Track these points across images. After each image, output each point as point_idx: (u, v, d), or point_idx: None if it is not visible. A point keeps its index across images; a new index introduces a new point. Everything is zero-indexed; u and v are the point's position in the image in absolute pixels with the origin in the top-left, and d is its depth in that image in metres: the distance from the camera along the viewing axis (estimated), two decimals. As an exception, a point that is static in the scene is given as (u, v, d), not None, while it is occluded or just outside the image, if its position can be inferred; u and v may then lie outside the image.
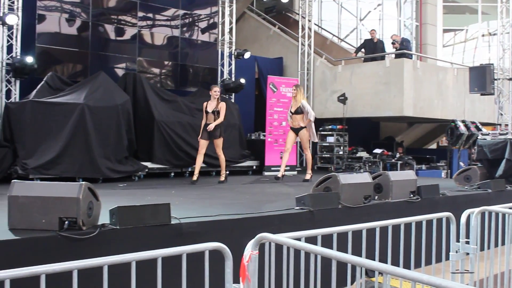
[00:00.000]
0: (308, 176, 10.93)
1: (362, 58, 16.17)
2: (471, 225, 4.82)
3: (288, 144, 10.92)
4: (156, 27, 13.19)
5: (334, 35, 20.21)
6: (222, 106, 10.14)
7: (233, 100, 14.14)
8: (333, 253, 3.06)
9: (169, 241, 4.57)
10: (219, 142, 10.20)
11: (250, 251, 3.40)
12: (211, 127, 9.94)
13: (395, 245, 4.49)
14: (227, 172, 10.73)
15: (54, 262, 2.84)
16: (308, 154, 11.12)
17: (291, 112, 10.76)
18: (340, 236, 4.03)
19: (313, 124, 10.78)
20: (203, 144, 10.13)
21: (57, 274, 2.75)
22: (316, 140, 11.93)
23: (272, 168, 13.12)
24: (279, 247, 3.60)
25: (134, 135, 11.05)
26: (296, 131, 10.72)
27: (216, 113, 10.04)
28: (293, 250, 3.51)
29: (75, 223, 4.38)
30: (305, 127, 10.61)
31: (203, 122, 10.16)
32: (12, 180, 4.69)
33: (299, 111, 10.55)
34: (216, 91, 10.20)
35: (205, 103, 10.20)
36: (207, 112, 10.10)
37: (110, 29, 12.25)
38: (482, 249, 5.13)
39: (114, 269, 3.00)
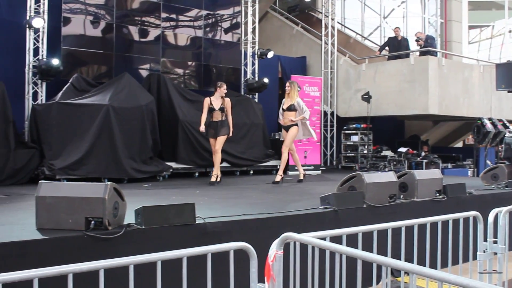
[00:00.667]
0: (278, 178, 10.38)
1: (386, 56, 16.05)
2: (499, 224, 4.75)
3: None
4: (180, 27, 13.25)
5: (357, 34, 20.09)
6: (228, 103, 9.94)
7: (256, 100, 14.15)
8: (359, 252, 3.04)
9: (194, 240, 4.59)
10: (222, 139, 9.87)
11: (274, 250, 3.40)
12: (230, 134, 10.00)
13: (421, 245, 4.45)
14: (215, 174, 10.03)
15: (81, 261, 2.87)
16: (286, 154, 10.42)
17: (283, 109, 10.37)
18: (365, 236, 4.01)
19: (308, 122, 10.54)
20: (213, 142, 9.95)
21: (84, 273, 2.79)
22: (315, 137, 11.40)
23: (296, 168, 13.07)
24: (303, 246, 3.59)
25: (158, 135, 11.12)
26: (287, 128, 10.35)
27: (222, 110, 9.83)
28: (318, 249, 3.50)
29: (101, 223, 4.43)
30: (295, 124, 10.24)
31: (204, 117, 9.78)
32: (40, 181, 4.75)
33: (292, 108, 10.22)
34: (225, 88, 10.02)
35: (207, 99, 9.87)
36: (213, 110, 9.80)
37: (134, 30, 12.34)
38: (510, 248, 5.06)
39: (140, 269, 3.02)
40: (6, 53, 10.61)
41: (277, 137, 14.26)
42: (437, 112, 14.00)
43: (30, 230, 4.48)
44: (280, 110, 10.47)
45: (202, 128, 9.71)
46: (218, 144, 9.78)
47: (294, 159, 10.89)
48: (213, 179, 9.92)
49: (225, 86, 10.02)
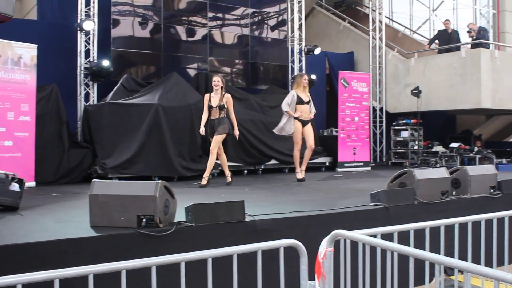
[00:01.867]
0: (301, 175, 9.99)
1: (436, 50, 15.72)
2: (558, 220, 4.59)
3: (300, 139, 9.88)
4: (226, 26, 13.33)
5: (406, 27, 19.73)
6: (229, 99, 9.02)
7: (304, 97, 14.08)
8: (411, 250, 2.99)
9: (244, 238, 4.62)
10: (219, 138, 8.93)
11: (325, 248, 3.37)
12: (236, 134, 9.30)
13: (475, 242, 4.34)
14: (210, 176, 9.23)
15: (133, 258, 2.92)
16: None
17: (302, 102, 9.81)
18: (417, 233, 3.93)
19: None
20: (210, 141, 9.17)
21: (136, 269, 2.83)
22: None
23: (345, 164, 12.99)
24: (354, 244, 3.56)
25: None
26: (306, 123, 9.86)
27: (221, 107, 8.91)
28: (369, 247, 3.46)
29: (153, 221, 4.50)
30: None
31: (205, 118, 8.97)
32: (93, 180, 4.86)
33: (309, 101, 9.95)
34: (216, 80, 8.98)
35: (207, 96, 9.05)
36: (210, 107, 8.92)
37: (181, 30, 12.48)
38: None
39: (191, 265, 3.05)
40: (58, 56, 10.91)
41: (325, 133, 14.19)
42: (490, 106, 13.62)
43: (84, 228, 4.60)
44: (293, 102, 9.77)
45: (202, 130, 8.97)
46: (213, 143, 8.90)
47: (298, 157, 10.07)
48: (203, 182, 8.95)
49: (216, 78, 9.04)
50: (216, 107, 8.91)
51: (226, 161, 9.44)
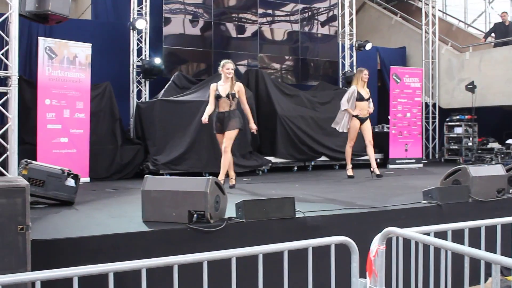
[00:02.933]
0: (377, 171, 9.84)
1: (492, 44, 15.27)
2: None
3: (355, 136, 9.73)
4: (276, 23, 13.32)
5: (460, 21, 19.24)
6: (241, 89, 7.96)
7: (354, 93, 13.94)
8: (466, 249, 2.92)
9: (294, 234, 4.61)
10: (232, 134, 7.88)
11: (377, 245, 3.33)
12: (253, 128, 8.17)
13: (534, 242, 4.20)
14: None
15: (184, 253, 2.96)
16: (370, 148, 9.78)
17: (363, 98, 9.58)
18: (471, 232, 3.83)
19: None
20: (220, 138, 8.07)
21: (188, 264, 2.86)
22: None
23: (397, 161, 12.79)
24: (406, 241, 3.50)
25: (257, 130, 11.22)
26: (364, 120, 9.62)
27: (231, 96, 7.83)
28: (422, 245, 3.39)
29: (203, 216, 4.55)
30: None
31: (210, 108, 7.92)
32: (145, 176, 4.95)
33: (369, 98, 9.72)
34: (229, 68, 7.85)
35: (214, 85, 7.96)
36: (219, 97, 7.83)
37: (231, 27, 12.55)
38: None
39: (241, 261, 3.06)
40: (112, 55, 11.15)
41: (376, 130, 13.99)
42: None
43: (137, 223, 4.69)
44: (352, 99, 9.55)
45: (205, 118, 7.84)
46: (226, 140, 7.84)
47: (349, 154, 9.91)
48: (231, 182, 8.17)
49: (229, 66, 7.90)
50: (227, 96, 7.80)
51: (233, 161, 8.41)
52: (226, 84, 7.86)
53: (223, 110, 7.87)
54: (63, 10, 6.56)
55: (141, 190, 4.78)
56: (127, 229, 4.46)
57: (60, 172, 5.98)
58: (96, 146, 9.45)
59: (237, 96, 7.87)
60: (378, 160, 12.89)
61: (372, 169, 9.88)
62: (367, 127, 9.75)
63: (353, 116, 9.56)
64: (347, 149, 9.82)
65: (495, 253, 3.56)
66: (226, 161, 7.86)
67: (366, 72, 9.80)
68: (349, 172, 9.87)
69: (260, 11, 12.88)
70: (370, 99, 9.83)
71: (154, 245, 4.33)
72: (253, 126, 8.18)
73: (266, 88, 11.75)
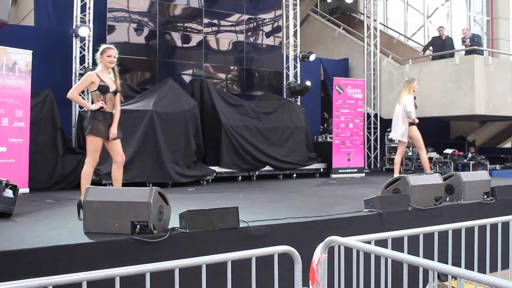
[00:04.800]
0: None
1: (430, 56, 15.79)
2: (551, 227, 4.61)
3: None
4: (221, 32, 13.36)
5: (400, 34, 19.82)
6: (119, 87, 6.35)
7: (299, 103, 14.11)
8: (404, 256, 3.00)
9: (238, 244, 4.62)
10: (118, 143, 6.33)
11: (319, 254, 3.38)
12: (114, 131, 6.17)
13: (469, 249, 4.35)
14: None
15: (127, 264, 2.92)
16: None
17: (416, 107, 9.84)
18: (410, 239, 3.95)
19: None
20: (100, 144, 6.19)
21: (130, 276, 2.83)
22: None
23: (340, 170, 13.00)
24: (348, 250, 3.56)
25: (202, 140, 11.21)
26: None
27: (116, 93, 6.24)
28: (363, 253, 3.46)
29: (147, 227, 4.50)
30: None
31: (81, 100, 6.47)
32: (87, 186, 4.86)
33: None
34: (111, 55, 6.20)
35: (93, 74, 6.14)
36: (106, 91, 6.08)
37: (176, 36, 12.51)
38: None
39: (185, 272, 3.05)
40: (54, 62, 10.90)
41: (320, 140, 14.21)
42: (484, 112, 13.68)
43: (78, 234, 4.59)
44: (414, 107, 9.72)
45: (96, 106, 6.02)
46: (119, 149, 6.33)
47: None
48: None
49: (113, 53, 6.24)
50: (114, 92, 6.21)
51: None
52: (107, 76, 6.22)
53: (109, 110, 6.19)
54: (2, 15, 6.37)
55: (83, 200, 4.69)
56: (68, 241, 4.37)
57: (-2, 182, 5.79)
58: (36, 156, 9.20)
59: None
60: (322, 170, 13.09)
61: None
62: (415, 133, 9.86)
63: (414, 124, 9.64)
64: (424, 156, 9.80)
65: (433, 259, 3.67)
66: (121, 175, 6.41)
67: (416, 81, 9.95)
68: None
69: (206, 20, 12.89)
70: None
71: (96, 257, 4.26)
72: (113, 131, 6.18)
73: (211, 98, 11.75)
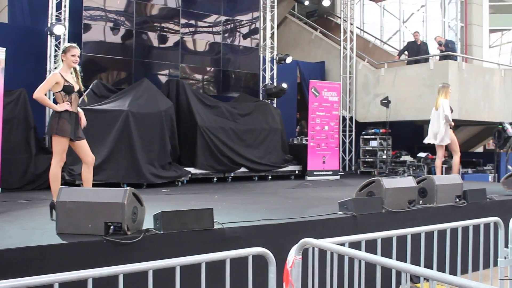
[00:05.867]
0: None
1: (406, 61, 15.96)
2: (520, 230, 4.69)
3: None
4: (198, 33, 13.33)
5: (376, 38, 20.01)
6: (81, 86, 6.26)
7: (275, 105, 14.15)
8: (378, 258, 3.03)
9: (212, 246, 4.61)
10: (86, 144, 6.16)
11: (293, 256, 3.39)
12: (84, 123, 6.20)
13: (440, 251, 4.41)
14: None
15: (100, 266, 2.90)
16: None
17: (451, 111, 9.94)
18: (384, 242, 3.98)
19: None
20: (66, 145, 5.97)
21: (103, 278, 2.80)
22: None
23: (315, 173, 13.06)
24: (322, 252, 3.58)
25: (177, 140, 11.17)
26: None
27: (80, 93, 6.26)
28: (337, 255, 3.48)
29: (120, 228, 4.46)
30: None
31: (47, 101, 6.19)
32: (60, 186, 4.80)
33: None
34: (75, 55, 6.12)
35: (58, 74, 6.02)
36: (71, 91, 5.98)
37: (153, 36, 12.44)
38: (532, 255, 4.98)
39: (159, 274, 3.04)
40: (28, 60, 10.75)
41: (295, 142, 14.25)
42: (457, 116, 13.86)
43: (51, 235, 4.53)
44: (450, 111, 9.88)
45: (63, 108, 5.89)
46: (90, 152, 6.21)
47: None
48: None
49: (77, 52, 6.15)
50: (78, 92, 6.16)
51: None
52: (70, 76, 6.12)
53: (74, 110, 6.03)
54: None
55: (55, 201, 4.63)
56: (40, 242, 4.31)
57: (-32, 182, 5.69)
58: (8, 155, 9.05)
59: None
60: (297, 172, 13.13)
61: None
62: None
63: (450, 128, 9.77)
64: (457, 160, 9.92)
65: (406, 262, 3.71)
66: (90, 176, 6.17)
67: (450, 86, 10.08)
68: None
69: (183, 21, 12.85)
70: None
71: (69, 258, 4.20)
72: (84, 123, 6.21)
73: (187, 99, 11.71)
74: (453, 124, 9.78)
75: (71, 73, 6.16)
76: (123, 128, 10.01)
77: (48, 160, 9.61)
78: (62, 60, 6.12)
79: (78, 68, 6.26)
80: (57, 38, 10.73)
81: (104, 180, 9.47)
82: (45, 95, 6.16)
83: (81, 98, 6.21)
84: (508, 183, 9.61)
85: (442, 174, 10.05)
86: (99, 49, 11.62)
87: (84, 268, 2.82)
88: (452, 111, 9.97)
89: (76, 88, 6.08)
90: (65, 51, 6.10)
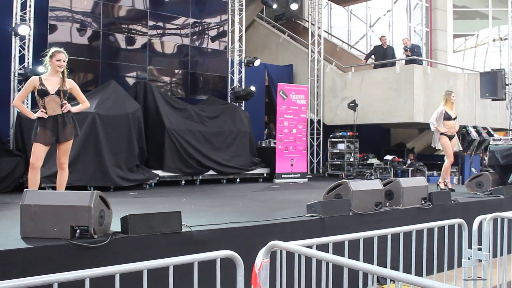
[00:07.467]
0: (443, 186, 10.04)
1: (372, 65, 16.15)
2: (483, 231, 4.79)
3: (452, 152, 10.02)
4: (166, 35, 13.26)
5: (344, 42, 20.21)
6: (75, 85, 6.49)
7: (243, 108, 14.16)
8: (345, 260, 3.05)
9: (181, 249, 4.59)
10: (69, 145, 6.43)
11: (261, 258, 3.40)
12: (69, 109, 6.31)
13: (406, 252, 4.47)
14: None
15: (66, 270, 2.85)
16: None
17: (450, 118, 9.88)
18: (351, 244, 4.02)
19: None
20: (43, 150, 6.26)
21: (69, 282, 2.77)
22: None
23: (283, 176, 13.11)
24: (290, 254, 3.60)
25: (145, 143, 11.09)
26: (451, 138, 9.97)
27: (63, 94, 6.21)
28: (305, 257, 3.50)
29: (87, 232, 4.41)
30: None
31: (23, 108, 6.52)
32: (24, 189, 4.72)
33: (455, 117, 10.07)
34: (61, 59, 6.20)
35: (35, 79, 6.16)
36: (44, 94, 6.09)
37: (120, 38, 12.33)
38: (494, 255, 5.09)
39: (126, 277, 3.01)
40: (-9, 61, 10.55)
41: (263, 145, 14.28)
42: (423, 120, 14.09)
43: (15, 239, 4.45)
44: (439, 119, 9.81)
45: (36, 115, 6.14)
46: (64, 154, 6.44)
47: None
48: None
49: (62, 57, 6.24)
50: (57, 93, 6.14)
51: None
52: (54, 79, 6.19)
53: (53, 113, 6.12)
54: None
55: (20, 204, 4.55)
56: (4, 246, 4.22)
57: None
58: (-30, 158, 8.88)
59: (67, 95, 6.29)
60: (265, 175, 13.16)
61: (445, 183, 9.98)
62: (453, 144, 10.02)
63: (441, 133, 9.80)
64: (448, 165, 9.93)
65: (372, 263, 3.75)
66: (65, 179, 6.49)
67: (454, 94, 10.12)
68: (442, 185, 9.94)
69: (151, 23, 12.77)
70: (457, 119, 10.09)
71: (34, 262, 4.14)
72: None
73: (155, 101, 11.63)
74: (440, 130, 9.81)
75: (60, 76, 6.26)
76: (90, 130, 9.89)
77: (12, 163, 9.52)
78: (49, 65, 6.25)
79: (66, 72, 6.36)
80: (22, 38, 10.54)
81: (70, 183, 9.29)
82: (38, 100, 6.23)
83: (65, 97, 6.28)
84: (472, 185, 9.82)
85: (444, 176, 10.14)
86: (65, 50, 11.34)
87: (49, 273, 2.78)
88: (452, 117, 9.94)
89: (54, 89, 6.13)
90: (51, 56, 6.20)
